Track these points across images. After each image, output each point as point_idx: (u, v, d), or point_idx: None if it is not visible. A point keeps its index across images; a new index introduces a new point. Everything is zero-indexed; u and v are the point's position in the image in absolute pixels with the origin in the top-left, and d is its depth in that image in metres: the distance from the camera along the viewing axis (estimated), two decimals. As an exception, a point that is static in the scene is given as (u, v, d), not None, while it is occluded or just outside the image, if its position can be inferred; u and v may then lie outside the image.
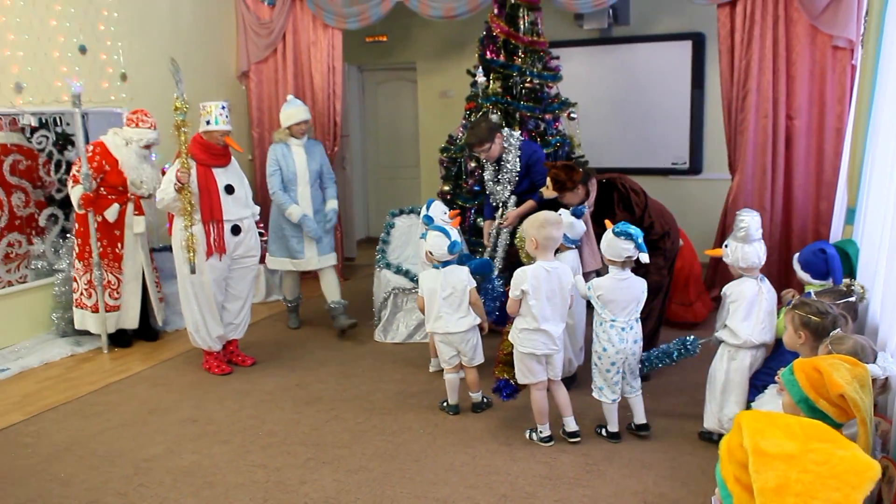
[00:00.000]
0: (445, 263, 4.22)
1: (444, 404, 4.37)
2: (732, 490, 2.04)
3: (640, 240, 3.72)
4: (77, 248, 5.46)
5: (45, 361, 5.29)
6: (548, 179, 4.54)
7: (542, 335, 3.77)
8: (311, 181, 5.65)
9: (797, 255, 4.05)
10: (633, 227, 3.76)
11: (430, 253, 4.24)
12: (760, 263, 3.64)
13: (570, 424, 3.91)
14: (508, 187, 5.05)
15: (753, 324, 3.60)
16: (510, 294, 3.86)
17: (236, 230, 4.94)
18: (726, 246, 3.70)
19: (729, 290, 3.68)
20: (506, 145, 5.01)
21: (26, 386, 4.90)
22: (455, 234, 4.22)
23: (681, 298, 5.62)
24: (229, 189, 4.89)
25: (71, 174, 5.39)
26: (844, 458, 1.94)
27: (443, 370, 4.41)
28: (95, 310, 5.47)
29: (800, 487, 1.89)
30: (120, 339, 5.64)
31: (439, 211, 4.76)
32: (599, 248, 3.92)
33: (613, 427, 3.91)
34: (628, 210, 4.63)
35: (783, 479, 1.91)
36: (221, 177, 4.87)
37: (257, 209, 5.20)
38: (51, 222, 5.75)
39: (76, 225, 5.47)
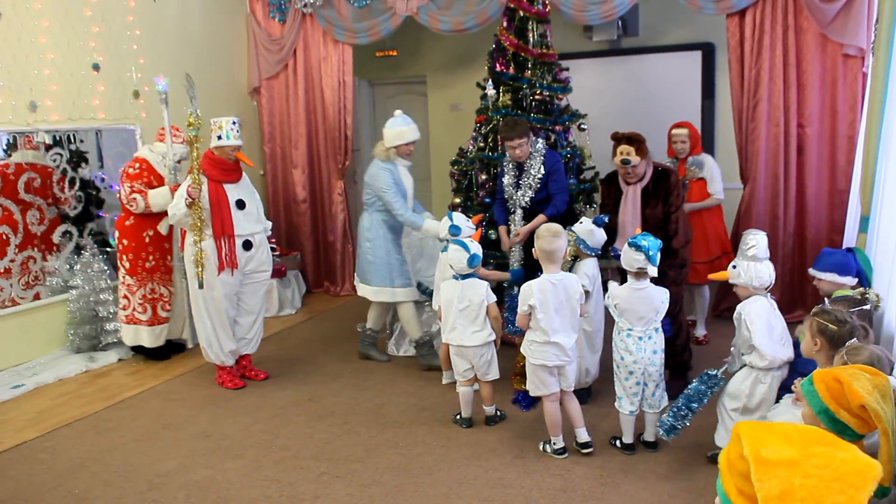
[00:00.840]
0: (465, 276, 4.21)
1: (458, 417, 4.36)
2: (736, 502, 2.03)
3: (652, 253, 3.71)
4: (128, 264, 5.46)
5: (59, 377, 5.32)
6: (625, 146, 4.43)
7: (552, 347, 3.77)
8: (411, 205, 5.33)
9: (821, 264, 3.93)
10: (651, 238, 3.74)
11: (452, 266, 4.24)
12: (772, 282, 3.57)
13: (582, 435, 3.90)
14: (529, 193, 4.95)
15: (776, 341, 3.50)
16: (518, 309, 3.86)
17: (248, 245, 4.96)
18: (734, 267, 3.60)
19: (744, 311, 3.52)
20: (532, 150, 4.97)
21: (41, 402, 4.92)
22: (475, 248, 4.22)
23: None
24: (240, 204, 4.90)
25: (129, 187, 5.32)
26: (845, 459, 1.92)
27: (455, 382, 4.41)
28: (151, 323, 5.54)
29: (804, 493, 1.88)
30: (160, 352, 5.68)
31: (463, 220, 4.70)
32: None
33: (628, 439, 3.89)
34: (664, 203, 4.49)
35: (787, 486, 1.90)
36: (233, 192, 4.89)
37: (269, 224, 5.21)
38: (65, 239, 5.79)
39: (123, 242, 5.45)
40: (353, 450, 4.07)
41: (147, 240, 5.45)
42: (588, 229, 4.46)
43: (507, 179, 5.06)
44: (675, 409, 3.66)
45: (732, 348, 3.66)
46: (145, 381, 5.26)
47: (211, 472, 3.88)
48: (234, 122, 4.85)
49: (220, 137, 4.81)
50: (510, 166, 5.04)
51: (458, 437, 4.18)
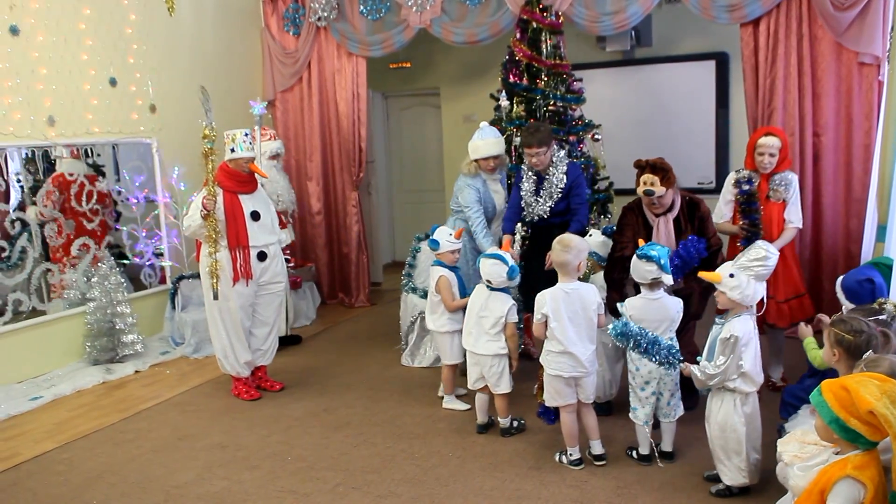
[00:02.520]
0: (497, 288, 4.21)
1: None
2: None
3: (664, 261, 3.65)
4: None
5: (77, 389, 5.35)
6: (649, 175, 4.15)
7: (568, 358, 3.74)
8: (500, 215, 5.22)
9: (842, 279, 3.84)
10: (659, 247, 3.71)
11: (489, 281, 4.20)
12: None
13: (597, 448, 3.88)
14: (549, 202, 4.83)
15: (759, 364, 3.38)
16: (534, 318, 3.84)
17: (262, 256, 4.97)
18: (732, 276, 3.32)
19: (737, 332, 3.28)
20: (554, 159, 4.84)
21: (59, 414, 4.96)
22: (510, 259, 4.19)
23: None
24: (255, 215, 4.93)
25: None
26: None
27: (443, 398, 4.77)
28: None
29: None
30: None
31: (445, 234, 4.68)
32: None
33: (645, 450, 3.86)
34: (700, 233, 4.27)
35: None
36: (248, 203, 4.92)
37: (284, 235, 5.23)
38: (83, 252, 5.84)
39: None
40: (369, 461, 4.07)
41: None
42: (599, 241, 4.45)
43: (525, 186, 4.90)
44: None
45: (714, 370, 3.40)
46: (162, 393, 5.28)
47: (227, 483, 3.89)
48: (246, 134, 4.88)
49: (233, 150, 4.84)
50: (529, 174, 4.90)
51: (475, 448, 4.17)
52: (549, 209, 4.84)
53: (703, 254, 4.06)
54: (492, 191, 5.16)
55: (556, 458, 3.94)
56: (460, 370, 4.74)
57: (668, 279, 3.70)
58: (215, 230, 4.79)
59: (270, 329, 5.19)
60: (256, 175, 5.03)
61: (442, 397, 4.85)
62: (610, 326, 3.75)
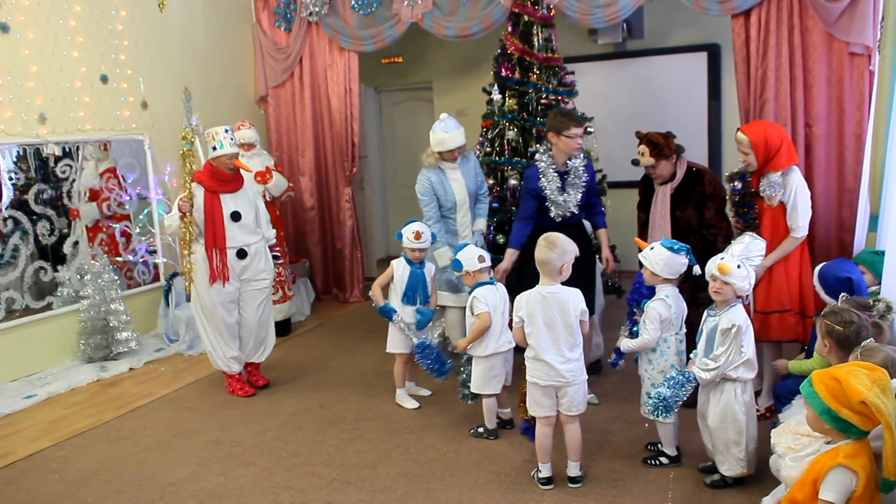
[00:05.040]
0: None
1: (481, 430, 4.24)
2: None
3: (691, 253, 3.59)
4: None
5: (71, 387, 5.34)
6: (642, 146, 4.30)
7: (542, 365, 3.50)
8: (471, 204, 5.11)
9: (820, 268, 3.79)
10: (671, 241, 3.62)
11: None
12: None
13: (573, 469, 3.62)
14: (576, 195, 4.55)
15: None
16: (512, 322, 3.66)
17: (242, 254, 4.89)
18: (739, 267, 3.32)
19: (738, 320, 3.30)
20: None
21: (54, 412, 4.95)
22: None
23: None
24: (235, 216, 4.84)
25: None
26: None
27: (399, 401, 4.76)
28: (280, 301, 6.22)
29: None
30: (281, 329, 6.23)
31: (410, 233, 4.60)
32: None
33: (672, 451, 3.74)
34: (699, 210, 4.35)
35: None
36: (229, 203, 4.84)
37: (272, 234, 5.13)
38: (76, 249, 5.83)
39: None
40: (364, 456, 4.08)
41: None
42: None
43: (549, 185, 4.53)
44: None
45: (698, 359, 3.44)
46: (156, 390, 5.27)
47: (223, 479, 3.89)
48: (226, 130, 4.80)
49: (214, 148, 4.78)
50: (550, 171, 4.55)
51: (470, 442, 4.17)
52: (575, 204, 4.57)
53: (644, 292, 3.84)
54: (450, 179, 5.01)
55: (532, 475, 3.71)
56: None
57: (698, 269, 3.55)
58: (190, 233, 4.78)
59: (257, 327, 5.10)
60: (244, 171, 4.99)
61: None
62: (651, 406, 3.43)
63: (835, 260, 4.04)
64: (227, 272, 4.86)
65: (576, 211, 4.61)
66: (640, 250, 3.72)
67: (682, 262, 3.57)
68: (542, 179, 4.55)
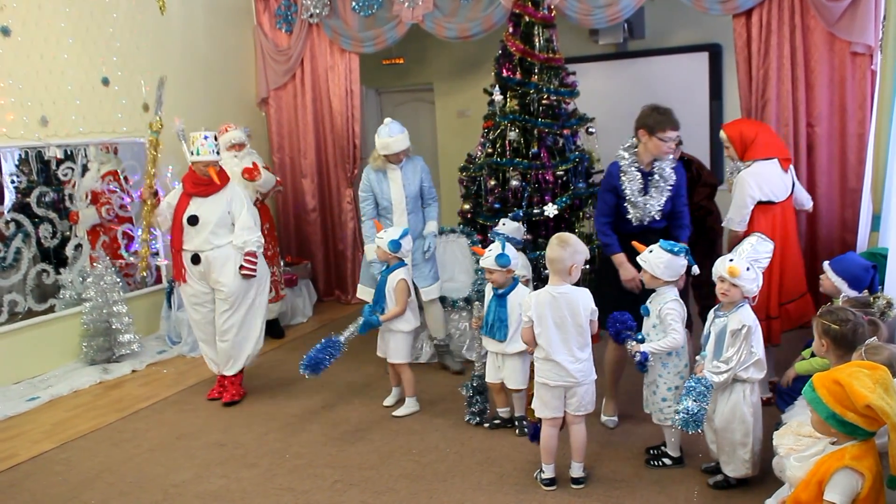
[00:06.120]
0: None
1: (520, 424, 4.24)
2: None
3: (689, 253, 3.63)
4: (270, 252, 6.11)
5: (74, 389, 5.34)
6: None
7: (553, 365, 3.48)
8: (411, 208, 5.20)
9: (834, 263, 3.79)
10: (667, 242, 3.64)
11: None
12: None
13: (577, 470, 3.62)
14: (661, 199, 4.18)
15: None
16: (522, 323, 3.64)
17: (195, 259, 4.82)
18: (748, 269, 3.32)
19: (748, 321, 3.30)
20: None
21: (56, 414, 4.95)
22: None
23: None
24: (192, 220, 4.78)
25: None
26: None
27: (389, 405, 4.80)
28: (273, 301, 6.16)
29: None
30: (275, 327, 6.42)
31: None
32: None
33: (675, 452, 3.75)
34: (689, 195, 4.33)
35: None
36: (192, 206, 4.80)
37: (244, 241, 4.84)
38: (78, 252, 5.83)
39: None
40: (367, 457, 4.07)
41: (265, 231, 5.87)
42: (515, 227, 4.80)
43: (630, 185, 4.18)
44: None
45: (708, 361, 3.40)
46: (159, 392, 5.28)
47: (226, 481, 3.89)
48: (205, 137, 4.75)
49: (192, 153, 4.77)
50: (632, 171, 4.21)
51: (472, 444, 4.17)
52: (658, 208, 4.20)
53: (629, 324, 3.75)
54: (390, 180, 5.16)
55: (535, 477, 3.71)
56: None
57: (696, 269, 3.62)
58: (147, 221, 4.92)
59: (220, 337, 4.96)
60: (236, 173, 5.01)
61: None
62: (680, 422, 3.25)
63: (845, 254, 3.99)
64: (185, 273, 4.89)
65: (658, 217, 4.21)
66: (638, 253, 3.72)
67: (681, 263, 3.59)
68: (623, 178, 4.20)
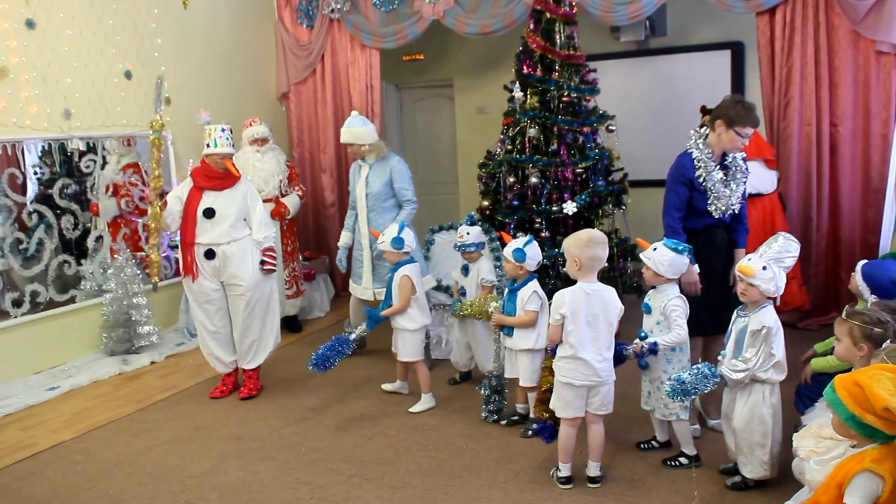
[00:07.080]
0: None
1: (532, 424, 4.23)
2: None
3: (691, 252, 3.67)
4: (290, 247, 6.34)
5: (94, 380, 5.40)
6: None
7: (579, 364, 3.46)
8: (371, 206, 5.30)
9: (866, 266, 3.72)
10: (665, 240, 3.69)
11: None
12: None
13: (593, 469, 3.60)
14: (739, 191, 4.05)
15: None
16: (550, 320, 3.61)
17: (210, 254, 4.76)
18: (764, 269, 3.27)
19: (769, 322, 3.25)
20: None
21: (76, 404, 5.00)
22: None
23: None
24: (208, 212, 4.73)
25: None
26: None
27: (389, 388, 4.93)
28: (294, 296, 6.41)
29: None
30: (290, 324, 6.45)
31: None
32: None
33: (692, 450, 3.73)
34: None
35: None
36: (208, 199, 4.76)
37: (262, 236, 4.86)
38: (99, 244, 5.89)
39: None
40: (383, 452, 4.08)
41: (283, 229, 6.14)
42: (478, 231, 4.84)
43: (711, 176, 3.96)
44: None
45: (726, 360, 3.38)
46: (177, 384, 5.32)
47: (243, 473, 3.91)
48: (222, 130, 4.75)
49: (208, 145, 4.75)
50: (711, 162, 3.98)
51: (488, 441, 4.17)
52: (737, 199, 4.06)
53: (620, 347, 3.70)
54: (359, 176, 5.33)
55: (551, 474, 3.71)
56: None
57: (696, 268, 3.69)
58: (157, 224, 4.70)
59: (240, 334, 4.94)
60: (239, 171, 4.92)
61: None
62: (668, 388, 3.31)
63: (882, 260, 3.89)
64: (196, 268, 4.78)
65: (736, 209, 4.07)
66: (642, 250, 3.75)
67: (684, 262, 3.64)
68: (701, 170, 3.97)
